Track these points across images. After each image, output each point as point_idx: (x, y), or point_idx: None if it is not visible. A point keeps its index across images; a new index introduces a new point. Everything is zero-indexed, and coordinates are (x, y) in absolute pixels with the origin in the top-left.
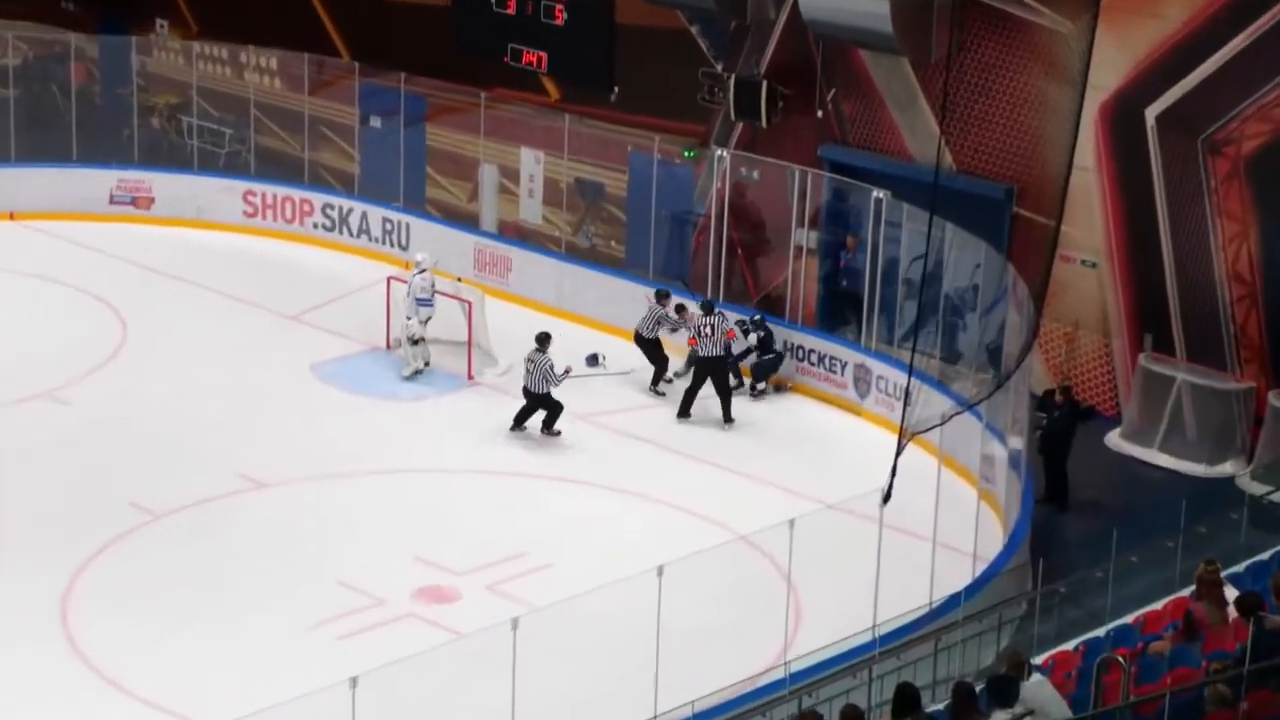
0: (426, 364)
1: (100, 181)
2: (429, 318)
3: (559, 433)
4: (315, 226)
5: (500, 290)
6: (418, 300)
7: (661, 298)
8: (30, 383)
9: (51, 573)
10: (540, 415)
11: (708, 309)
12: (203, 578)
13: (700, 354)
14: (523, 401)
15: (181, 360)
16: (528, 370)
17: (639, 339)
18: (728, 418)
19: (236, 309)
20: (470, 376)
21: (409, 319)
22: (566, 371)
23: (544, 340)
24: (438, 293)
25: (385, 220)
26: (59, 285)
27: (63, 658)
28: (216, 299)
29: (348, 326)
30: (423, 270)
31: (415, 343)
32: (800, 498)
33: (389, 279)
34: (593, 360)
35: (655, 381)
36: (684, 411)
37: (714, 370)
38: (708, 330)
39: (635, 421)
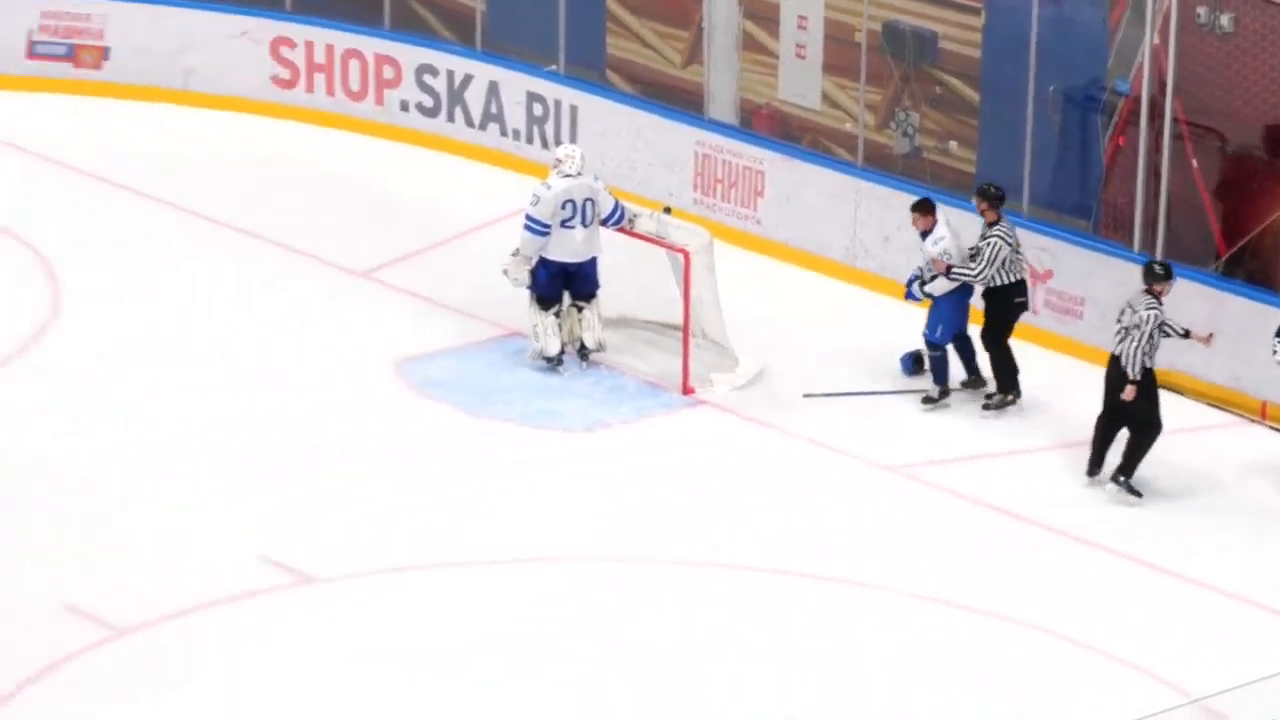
0: (585, 351)
1: (8, 13)
2: (535, 254)
3: None
4: (404, 108)
5: (742, 231)
6: (526, 223)
7: (990, 200)
8: None
9: None
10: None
11: None
12: None
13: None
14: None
15: (157, 350)
16: (1132, 332)
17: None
18: (1122, 476)
19: (254, 257)
20: (687, 388)
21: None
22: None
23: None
24: (618, 229)
25: (532, 97)
26: None
27: None
28: (219, 238)
29: (463, 294)
30: (566, 175)
31: (546, 311)
32: None
33: None
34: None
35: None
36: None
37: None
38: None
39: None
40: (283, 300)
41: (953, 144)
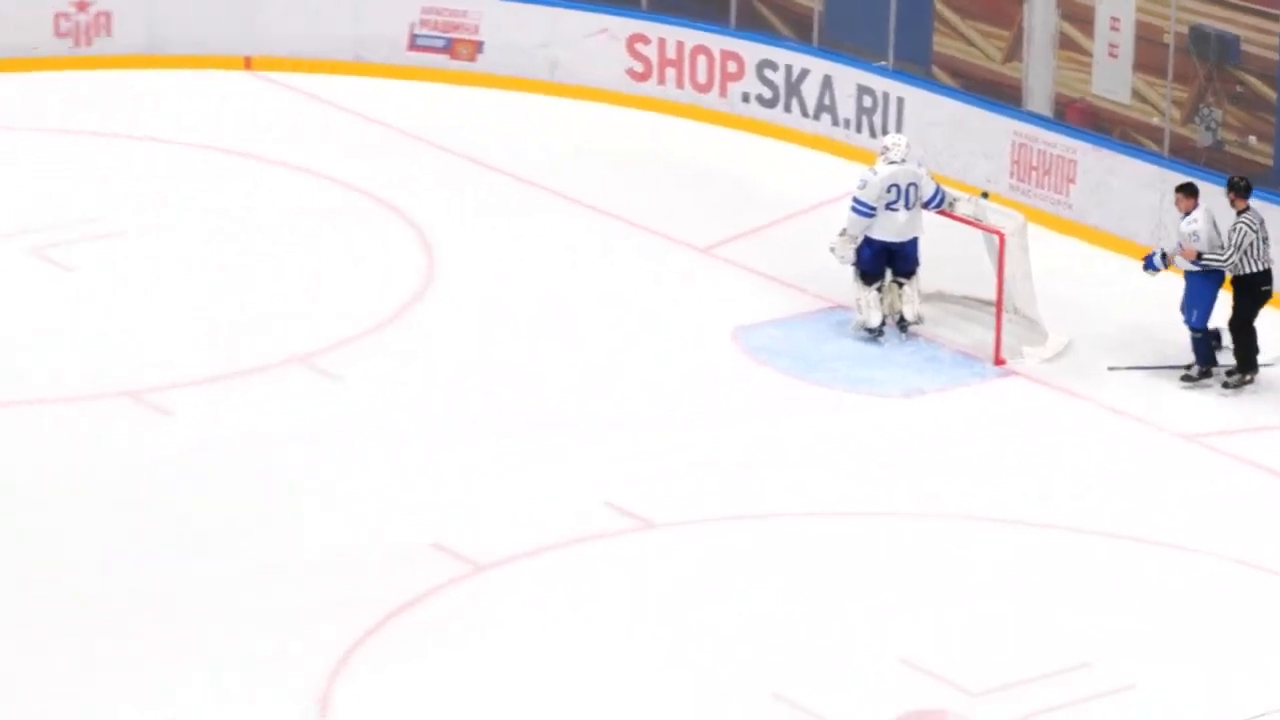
0: (904, 323)
1: (394, 9)
2: (860, 234)
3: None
4: (746, 99)
5: (1054, 215)
6: (854, 205)
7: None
8: (274, 344)
9: (307, 671)
10: None
11: None
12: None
13: None
14: None
15: (521, 316)
16: None
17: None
18: None
19: (609, 234)
20: (999, 359)
21: (841, 233)
22: None
23: None
24: (938, 212)
25: (862, 90)
26: (321, 182)
27: None
28: (577, 216)
29: (794, 269)
30: (891, 162)
31: (869, 285)
32: None
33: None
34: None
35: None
36: None
37: None
38: None
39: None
40: (633, 272)
41: (1252, 139)
